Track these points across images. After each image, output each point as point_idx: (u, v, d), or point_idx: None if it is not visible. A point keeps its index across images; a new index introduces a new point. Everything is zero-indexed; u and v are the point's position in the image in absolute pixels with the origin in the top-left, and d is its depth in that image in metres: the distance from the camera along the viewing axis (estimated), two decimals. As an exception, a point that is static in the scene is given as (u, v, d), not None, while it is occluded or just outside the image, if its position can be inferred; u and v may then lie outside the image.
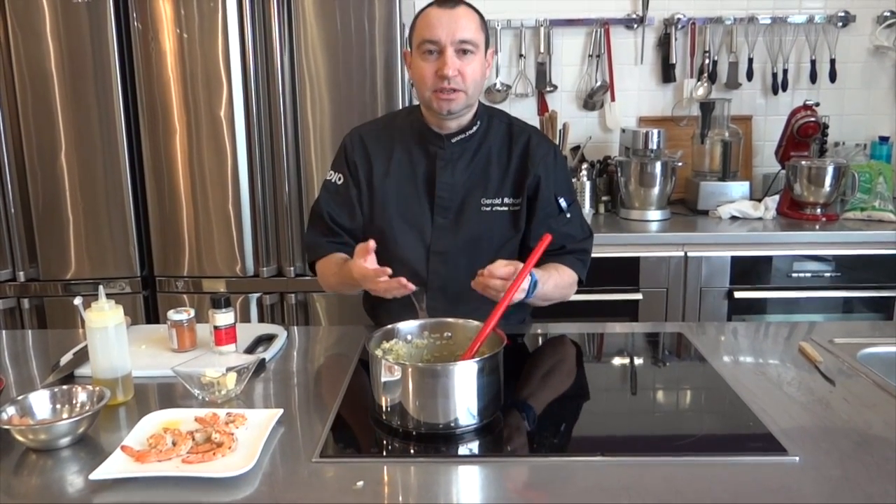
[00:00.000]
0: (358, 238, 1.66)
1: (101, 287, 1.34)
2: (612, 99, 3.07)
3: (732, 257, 2.53)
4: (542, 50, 3.02)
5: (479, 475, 1.07)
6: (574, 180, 2.70)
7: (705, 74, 3.02)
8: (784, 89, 3.03)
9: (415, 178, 1.66)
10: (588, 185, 2.81)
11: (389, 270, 1.40)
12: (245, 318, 2.55)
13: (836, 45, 3.00)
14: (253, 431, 1.14)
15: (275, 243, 2.55)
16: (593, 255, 1.74)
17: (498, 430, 1.19)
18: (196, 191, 2.49)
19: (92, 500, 1.00)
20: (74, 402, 1.22)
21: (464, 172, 1.65)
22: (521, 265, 1.39)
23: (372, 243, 1.45)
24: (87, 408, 1.19)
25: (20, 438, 1.12)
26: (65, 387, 1.24)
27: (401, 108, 2.37)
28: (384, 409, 1.19)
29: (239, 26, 2.38)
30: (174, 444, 1.09)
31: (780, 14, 2.98)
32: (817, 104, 2.79)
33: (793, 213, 2.73)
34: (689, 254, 2.53)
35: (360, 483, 1.02)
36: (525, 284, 1.40)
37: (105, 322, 1.27)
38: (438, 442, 1.14)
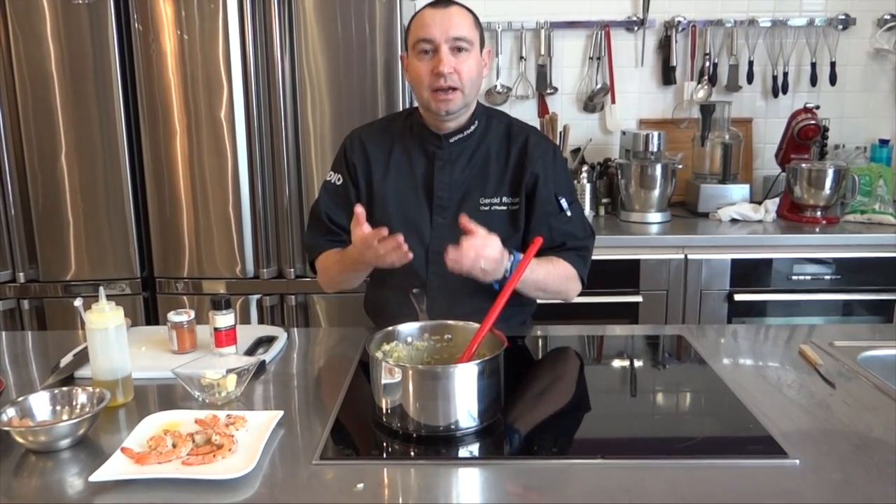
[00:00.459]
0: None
1: (101, 288, 1.34)
2: (613, 101, 3.07)
3: (732, 260, 2.53)
4: (542, 52, 3.03)
5: (479, 478, 1.07)
6: (574, 182, 2.70)
7: (706, 77, 3.02)
8: (784, 92, 3.03)
9: (413, 179, 1.66)
10: (588, 187, 2.81)
11: (385, 230, 1.37)
12: (245, 319, 2.55)
13: (837, 48, 3.00)
14: (253, 433, 1.14)
15: (275, 245, 2.55)
16: (594, 257, 1.74)
17: (498, 432, 1.19)
18: (196, 192, 2.49)
19: (92, 501, 1.00)
20: (74, 403, 1.21)
21: (462, 172, 1.65)
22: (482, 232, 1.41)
23: (360, 208, 1.42)
24: (87, 409, 1.19)
25: (20, 440, 1.11)
26: (65, 388, 1.24)
27: (401, 110, 2.37)
28: (384, 411, 1.19)
29: (239, 28, 2.38)
30: (174, 445, 1.09)
31: (781, 17, 2.98)
32: (817, 107, 2.79)
33: (793, 215, 2.73)
34: (690, 256, 2.53)
35: (361, 485, 1.02)
36: (507, 263, 1.45)
37: (105, 323, 1.27)
38: (439, 444, 1.14)
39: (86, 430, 1.15)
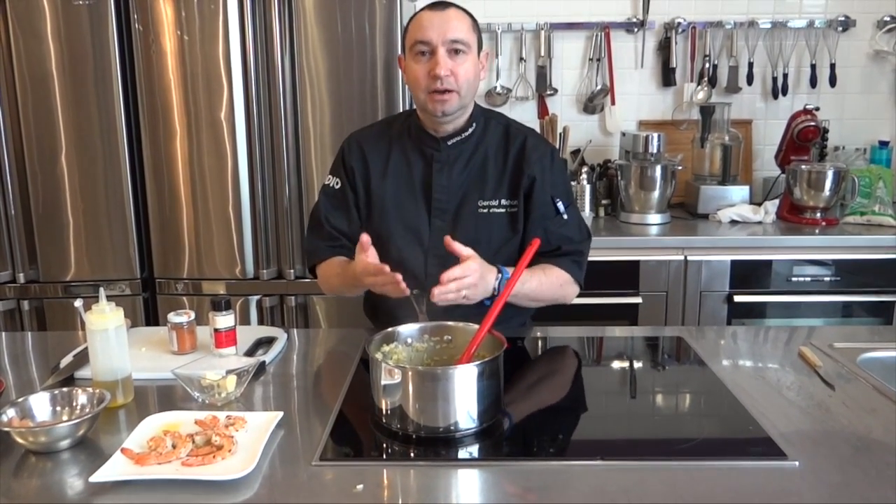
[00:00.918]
0: (356, 242, 1.66)
1: (101, 289, 1.34)
2: (613, 102, 3.07)
3: (732, 261, 2.53)
4: (542, 53, 3.03)
5: (478, 479, 1.07)
6: (574, 184, 2.70)
7: (705, 78, 3.03)
8: (784, 93, 3.03)
9: (411, 182, 1.66)
10: (588, 188, 2.80)
11: (387, 268, 1.40)
12: (245, 320, 2.55)
13: (836, 50, 3.00)
14: (253, 434, 1.14)
15: (275, 245, 2.55)
16: (593, 258, 1.74)
17: (498, 433, 1.19)
18: (196, 193, 2.49)
19: (92, 502, 1.00)
20: (74, 404, 1.22)
21: (460, 174, 1.65)
22: (471, 258, 1.42)
23: (365, 236, 1.45)
24: (87, 410, 1.19)
25: (20, 441, 1.12)
26: (65, 389, 1.24)
27: (400, 111, 2.38)
28: (384, 412, 1.19)
29: (240, 28, 2.38)
30: (174, 446, 1.09)
31: (781, 18, 2.98)
32: (817, 108, 2.79)
33: (793, 217, 2.73)
34: (689, 257, 2.53)
35: (360, 486, 1.02)
36: (493, 282, 1.47)
37: (105, 324, 1.27)
38: (438, 445, 1.14)
39: (86, 430, 1.15)
